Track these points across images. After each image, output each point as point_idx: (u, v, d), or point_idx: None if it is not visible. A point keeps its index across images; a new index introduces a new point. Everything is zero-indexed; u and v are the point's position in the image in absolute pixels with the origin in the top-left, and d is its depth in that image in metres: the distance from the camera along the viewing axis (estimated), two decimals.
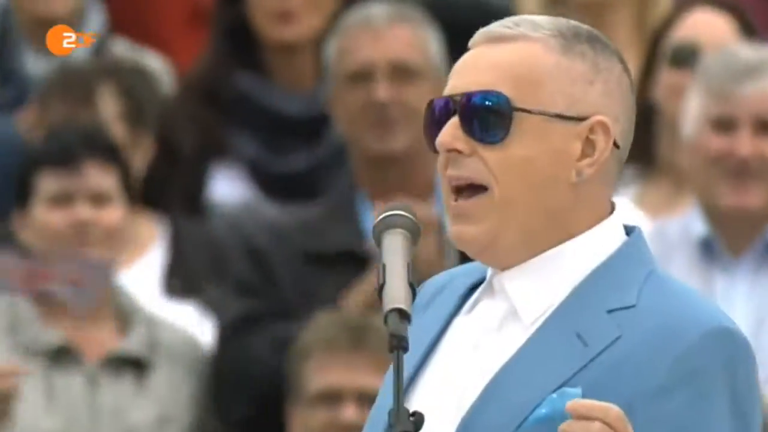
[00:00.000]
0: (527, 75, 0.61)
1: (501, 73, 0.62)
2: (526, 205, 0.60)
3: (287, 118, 4.13)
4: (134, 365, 3.31)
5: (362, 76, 3.66)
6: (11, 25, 4.31)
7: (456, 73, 0.66)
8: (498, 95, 0.61)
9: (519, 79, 0.61)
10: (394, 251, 0.60)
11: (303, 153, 4.10)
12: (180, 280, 3.63)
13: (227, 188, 4.13)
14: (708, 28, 3.80)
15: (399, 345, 0.52)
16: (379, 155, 3.64)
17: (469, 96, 0.62)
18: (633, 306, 0.57)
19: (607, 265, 0.61)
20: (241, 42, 4.18)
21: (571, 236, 0.62)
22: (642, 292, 0.58)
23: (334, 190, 3.82)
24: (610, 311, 0.57)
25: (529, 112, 0.61)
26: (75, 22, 4.11)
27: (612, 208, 0.66)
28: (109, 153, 3.41)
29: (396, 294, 0.56)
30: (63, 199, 3.34)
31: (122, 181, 3.37)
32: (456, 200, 0.63)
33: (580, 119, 0.62)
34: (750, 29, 3.85)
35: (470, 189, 0.62)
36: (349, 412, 3.16)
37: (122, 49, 4.34)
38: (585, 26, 0.67)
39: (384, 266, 0.58)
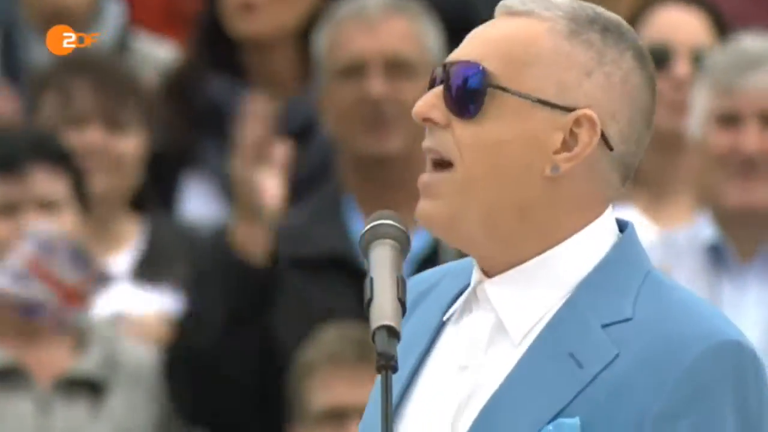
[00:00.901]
0: (520, 54, 0.58)
1: (494, 48, 0.59)
2: (491, 189, 0.57)
3: None
4: (90, 387, 3.05)
5: (355, 71, 3.39)
6: (19, 17, 4.22)
7: (462, 42, 0.63)
8: (477, 68, 0.58)
9: (510, 56, 0.58)
10: (382, 264, 0.58)
11: None
12: (152, 268, 3.53)
13: (198, 202, 3.97)
14: (679, 26, 3.62)
15: (387, 365, 0.50)
16: (371, 157, 3.37)
17: (450, 65, 0.60)
18: (629, 319, 0.53)
19: (599, 271, 0.57)
20: (216, 41, 3.98)
21: (556, 241, 0.58)
22: (638, 302, 0.55)
23: (320, 194, 3.56)
24: (605, 326, 0.53)
25: (507, 91, 0.57)
26: (90, 17, 4.06)
27: (604, 212, 0.61)
28: (59, 158, 3.20)
29: (384, 310, 0.53)
30: (8, 208, 3.14)
31: (74, 187, 3.16)
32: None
33: (567, 109, 0.57)
34: (723, 25, 3.67)
35: (440, 164, 0.60)
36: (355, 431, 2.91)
37: (142, 42, 4.28)
38: (610, 15, 0.62)
39: (371, 280, 0.56)
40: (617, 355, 0.51)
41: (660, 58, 3.39)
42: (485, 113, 0.57)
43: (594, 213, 0.60)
